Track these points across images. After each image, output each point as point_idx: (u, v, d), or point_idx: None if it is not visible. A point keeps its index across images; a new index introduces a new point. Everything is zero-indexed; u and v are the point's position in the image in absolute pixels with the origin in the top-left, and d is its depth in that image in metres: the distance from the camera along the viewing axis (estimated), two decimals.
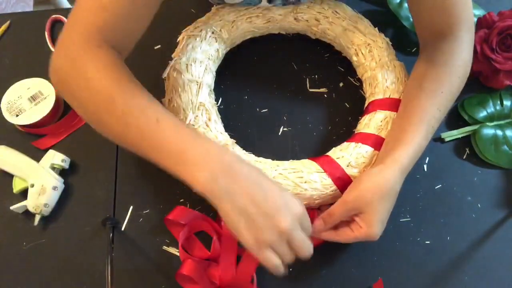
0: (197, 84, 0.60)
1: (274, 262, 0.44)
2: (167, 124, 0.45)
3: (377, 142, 0.58)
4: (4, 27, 0.73)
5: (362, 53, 0.65)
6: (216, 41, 0.65)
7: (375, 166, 0.55)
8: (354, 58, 0.67)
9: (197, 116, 0.59)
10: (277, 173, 0.56)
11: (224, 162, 0.43)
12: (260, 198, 0.42)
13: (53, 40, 0.72)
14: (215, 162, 0.43)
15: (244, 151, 0.59)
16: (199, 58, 0.62)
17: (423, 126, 0.55)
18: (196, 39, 0.63)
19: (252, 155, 0.59)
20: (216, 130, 0.59)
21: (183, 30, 0.65)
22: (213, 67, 0.65)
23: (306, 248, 0.46)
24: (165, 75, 0.62)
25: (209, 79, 0.63)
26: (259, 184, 0.43)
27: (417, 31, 0.63)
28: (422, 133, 0.54)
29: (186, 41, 0.64)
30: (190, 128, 0.48)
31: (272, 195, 0.43)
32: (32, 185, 0.59)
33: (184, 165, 0.43)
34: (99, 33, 0.47)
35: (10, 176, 0.61)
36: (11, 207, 0.59)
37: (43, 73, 0.67)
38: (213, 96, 0.62)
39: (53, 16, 0.74)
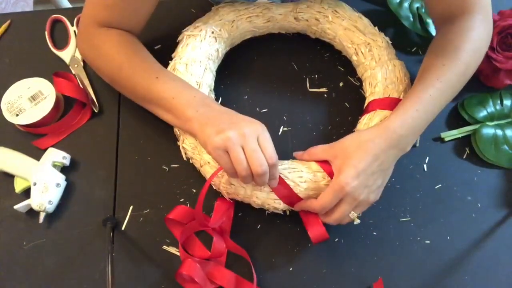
0: (197, 84, 0.60)
1: (226, 160, 0.50)
2: (164, 79, 0.56)
3: None
4: (4, 26, 0.73)
5: (362, 52, 0.65)
6: (216, 41, 0.65)
7: None
8: (354, 58, 0.67)
9: None
10: None
11: (205, 102, 0.55)
12: (228, 118, 0.52)
13: (53, 40, 0.72)
14: (198, 102, 0.54)
15: None
16: (199, 58, 0.62)
17: (419, 94, 0.54)
18: (196, 39, 0.63)
19: None
20: None
21: (183, 30, 0.65)
22: (213, 67, 0.65)
23: (257, 159, 0.49)
24: None
25: (209, 79, 0.63)
26: (229, 113, 0.54)
27: (431, 15, 0.63)
28: (416, 100, 0.54)
29: (186, 41, 0.64)
30: (183, 81, 0.58)
31: (237, 116, 0.53)
32: (35, 184, 0.59)
33: (176, 109, 0.54)
34: (106, 24, 0.59)
35: (11, 177, 0.61)
36: (15, 207, 0.59)
37: (43, 73, 0.67)
38: (213, 95, 0.62)
39: (53, 16, 0.73)
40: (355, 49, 0.66)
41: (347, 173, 0.51)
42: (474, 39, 0.57)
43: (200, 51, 0.63)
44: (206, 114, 0.53)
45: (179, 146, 0.61)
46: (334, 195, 0.52)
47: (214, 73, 0.65)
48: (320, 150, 0.56)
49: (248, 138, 0.49)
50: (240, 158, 0.49)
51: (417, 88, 0.55)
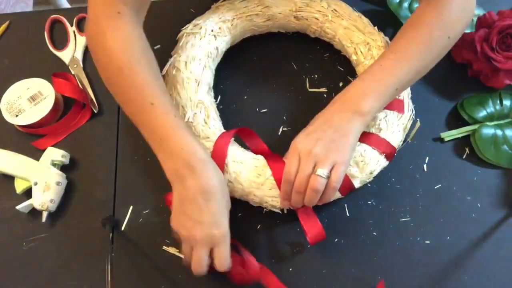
0: (196, 82, 0.60)
1: (188, 257, 0.52)
2: (158, 110, 0.52)
3: (375, 141, 0.58)
4: (3, 27, 0.73)
5: (361, 52, 0.65)
6: (216, 39, 0.65)
7: None
8: (353, 57, 0.67)
9: (195, 113, 0.59)
10: (267, 176, 0.56)
11: (191, 161, 0.51)
12: (198, 207, 0.50)
13: (53, 40, 0.72)
14: (183, 158, 0.50)
15: (242, 148, 0.60)
16: (198, 56, 0.62)
17: (371, 66, 0.57)
18: (195, 37, 0.63)
19: (250, 152, 0.59)
20: (215, 128, 0.59)
21: (182, 28, 0.65)
22: (212, 65, 0.65)
23: (200, 265, 0.51)
24: (164, 72, 0.62)
25: (208, 77, 0.63)
26: (207, 193, 0.50)
27: None
28: (366, 70, 0.57)
29: (185, 39, 0.64)
30: (177, 119, 0.53)
31: (210, 209, 0.50)
32: (36, 183, 0.59)
33: (159, 151, 0.52)
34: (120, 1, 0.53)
35: (11, 178, 0.61)
36: (17, 207, 0.59)
37: (43, 73, 0.67)
38: (212, 94, 0.62)
39: (53, 16, 0.73)
40: (354, 49, 0.66)
41: (298, 135, 0.55)
42: (443, 14, 0.56)
43: (200, 49, 0.63)
44: (183, 182, 0.51)
45: None
46: (290, 156, 0.54)
47: (214, 71, 0.65)
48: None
49: (199, 246, 0.51)
50: (187, 253, 0.52)
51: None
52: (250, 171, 0.57)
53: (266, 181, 0.56)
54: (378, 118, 0.60)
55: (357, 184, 0.58)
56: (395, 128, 0.60)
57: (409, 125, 0.62)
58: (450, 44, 0.59)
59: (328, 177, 0.52)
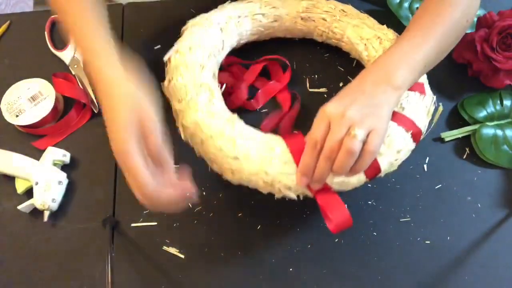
0: (200, 66, 0.58)
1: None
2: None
3: (400, 118, 0.56)
4: (3, 27, 0.73)
5: (372, 47, 0.64)
6: (222, 32, 0.63)
7: None
8: (364, 53, 0.65)
9: (198, 94, 0.56)
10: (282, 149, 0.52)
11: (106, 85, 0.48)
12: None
13: (53, 40, 0.72)
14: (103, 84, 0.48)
15: (250, 126, 0.56)
16: (204, 43, 0.60)
17: (398, 40, 0.54)
18: (201, 27, 0.62)
19: (260, 131, 0.56)
20: (219, 107, 0.56)
21: (189, 21, 0.64)
22: (217, 55, 0.62)
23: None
24: (166, 58, 0.60)
25: (213, 65, 0.60)
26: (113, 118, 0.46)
27: None
28: (396, 44, 0.54)
29: (191, 29, 0.62)
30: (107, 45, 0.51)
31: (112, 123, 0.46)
32: (37, 183, 0.59)
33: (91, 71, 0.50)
34: None
35: (11, 178, 0.61)
36: (18, 207, 0.59)
37: (43, 73, 0.67)
38: (216, 81, 0.60)
39: (53, 16, 0.74)
40: (365, 45, 0.65)
41: (331, 102, 0.49)
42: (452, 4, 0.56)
43: (206, 38, 0.61)
44: (106, 104, 0.47)
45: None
46: (317, 121, 0.48)
47: (219, 63, 0.63)
48: None
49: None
50: None
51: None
52: (260, 145, 0.52)
53: (280, 155, 0.51)
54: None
55: (384, 165, 0.53)
56: (418, 107, 0.57)
57: (432, 110, 0.59)
58: (466, 29, 0.58)
59: (364, 143, 0.46)
